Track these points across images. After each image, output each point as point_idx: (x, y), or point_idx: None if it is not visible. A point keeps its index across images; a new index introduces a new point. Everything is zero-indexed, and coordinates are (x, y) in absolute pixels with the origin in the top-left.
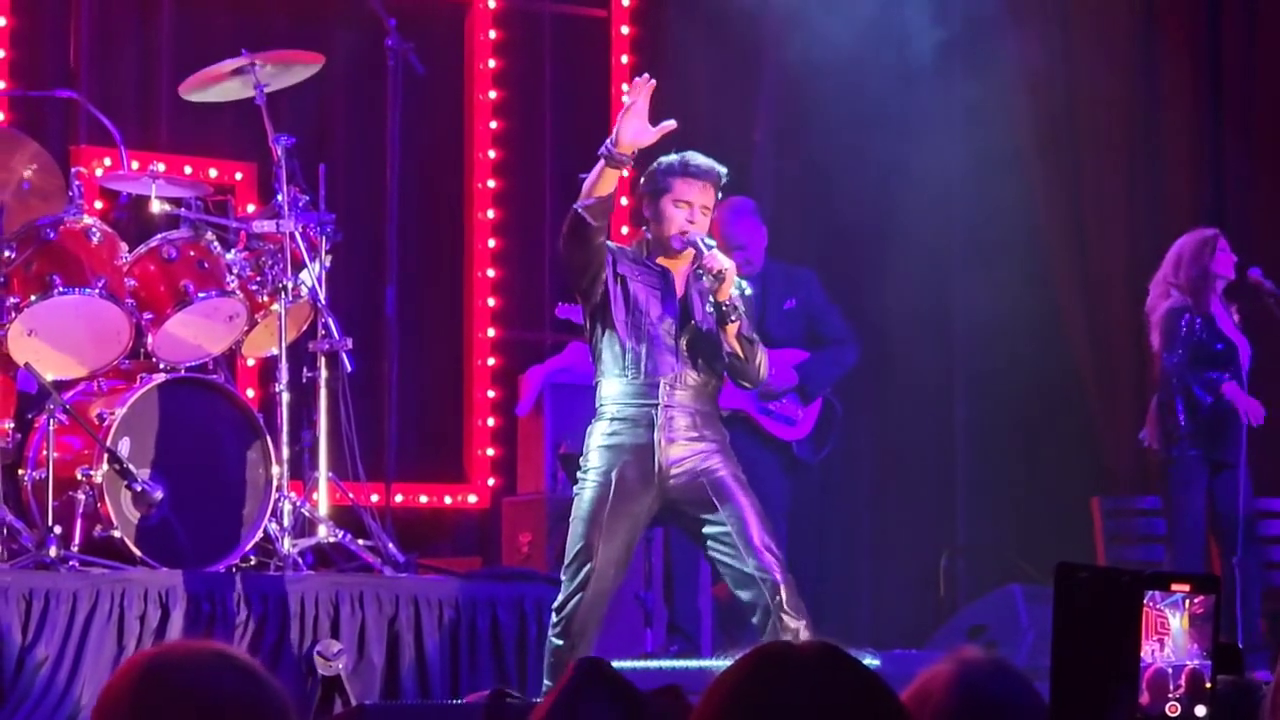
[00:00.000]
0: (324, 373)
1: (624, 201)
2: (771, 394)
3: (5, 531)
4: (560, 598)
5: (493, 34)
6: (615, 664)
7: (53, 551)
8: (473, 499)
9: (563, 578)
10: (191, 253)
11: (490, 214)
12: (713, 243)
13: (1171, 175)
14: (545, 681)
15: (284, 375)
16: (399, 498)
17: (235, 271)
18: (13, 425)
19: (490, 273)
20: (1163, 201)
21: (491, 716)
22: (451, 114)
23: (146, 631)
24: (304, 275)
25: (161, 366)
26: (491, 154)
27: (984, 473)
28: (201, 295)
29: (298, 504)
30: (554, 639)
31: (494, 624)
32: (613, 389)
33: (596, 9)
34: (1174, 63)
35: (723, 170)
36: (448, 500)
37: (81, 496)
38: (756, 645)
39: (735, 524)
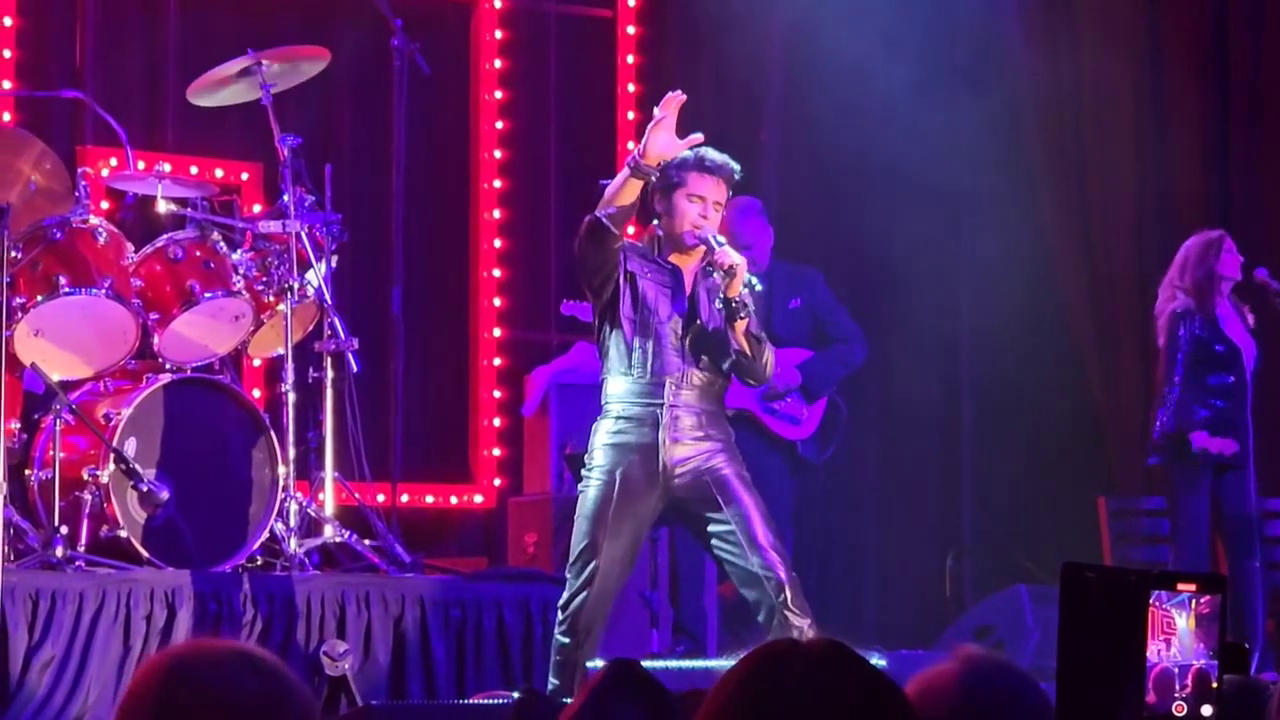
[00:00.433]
0: (330, 373)
1: None
2: (775, 393)
3: (12, 531)
4: (565, 595)
5: (498, 34)
6: None
7: (59, 551)
8: (478, 499)
9: (568, 576)
10: (197, 253)
11: (496, 214)
12: (724, 240)
13: (1178, 176)
14: (551, 680)
15: (290, 375)
16: (405, 498)
17: (241, 272)
18: (19, 425)
19: (496, 273)
20: (1169, 203)
21: (522, 715)
22: (457, 114)
23: (153, 632)
24: (310, 275)
25: (167, 366)
26: (497, 154)
27: (990, 473)
28: (207, 295)
29: (304, 504)
30: (559, 637)
31: (500, 624)
32: (618, 387)
33: (602, 9)
34: (1180, 62)
35: (736, 167)
36: (453, 500)
37: (88, 496)
38: (762, 643)
39: (740, 522)
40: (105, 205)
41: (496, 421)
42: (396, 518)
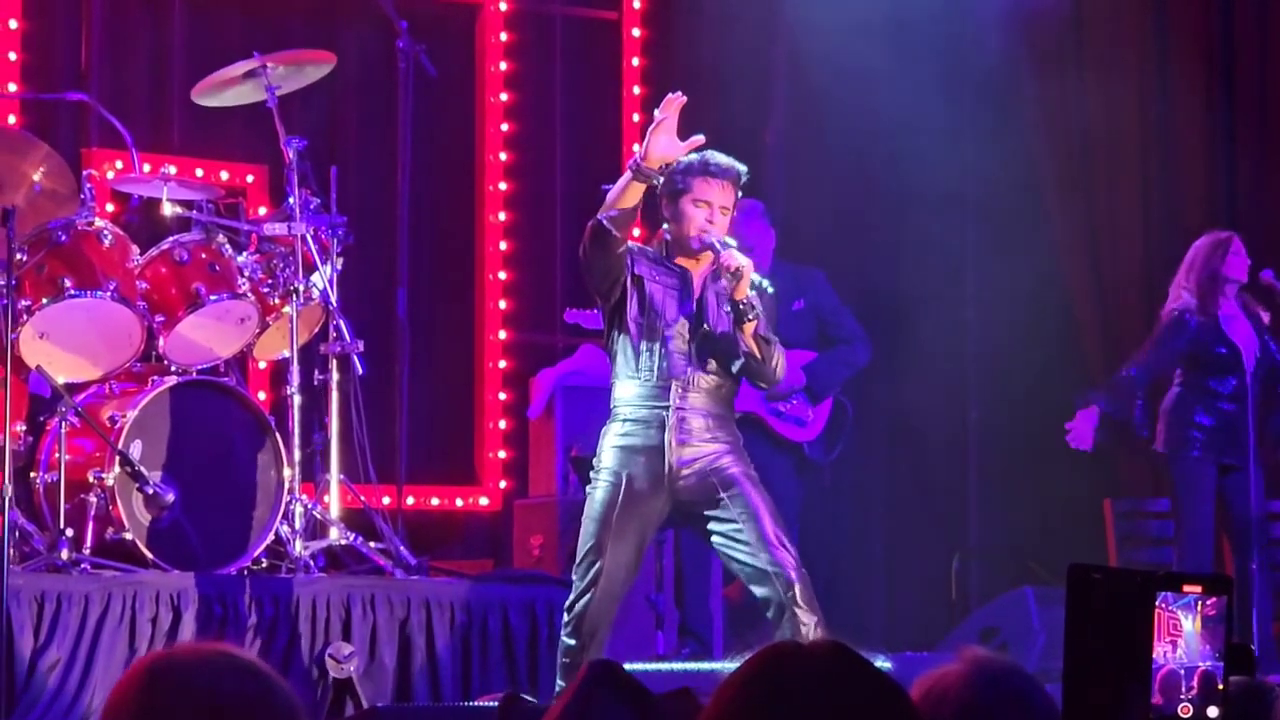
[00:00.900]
0: (335, 375)
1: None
2: (778, 395)
3: (17, 534)
4: (571, 597)
5: (504, 36)
6: (626, 666)
7: (64, 554)
8: (484, 501)
9: (573, 577)
10: (203, 255)
11: (501, 216)
12: (732, 242)
13: (1185, 178)
14: (558, 681)
15: (295, 378)
16: (410, 500)
17: (247, 274)
18: (25, 428)
19: (501, 275)
20: (1176, 203)
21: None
22: (463, 116)
23: (158, 634)
24: (315, 278)
25: (173, 369)
26: (503, 156)
27: (996, 474)
28: (213, 298)
29: (309, 506)
30: (565, 639)
31: (505, 626)
32: (626, 390)
33: (607, 11)
34: (1186, 65)
35: (743, 169)
36: (459, 503)
37: (93, 499)
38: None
39: (748, 521)
40: (110, 208)
41: (502, 424)
42: (402, 520)
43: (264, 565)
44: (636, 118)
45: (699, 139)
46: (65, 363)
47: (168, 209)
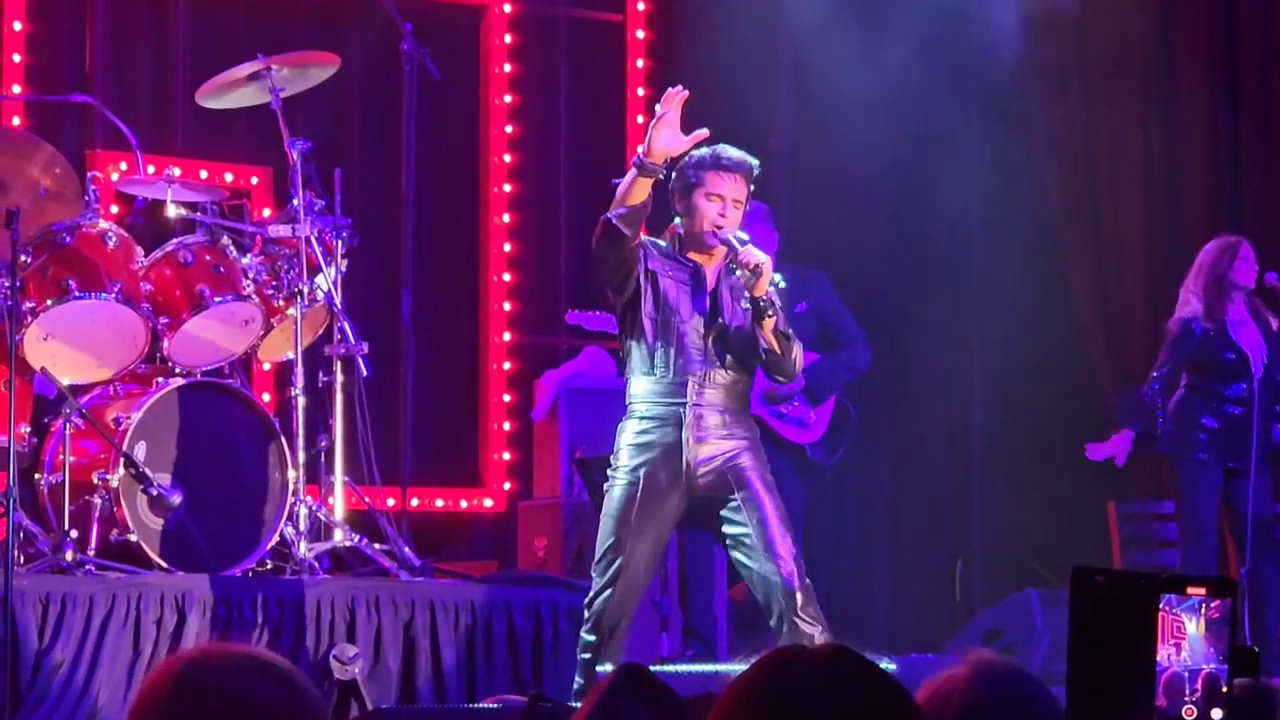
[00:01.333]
0: (340, 377)
1: None
2: (777, 396)
3: (22, 535)
4: (591, 594)
5: (508, 38)
6: None
7: (69, 555)
8: (488, 503)
9: (593, 575)
10: (207, 257)
11: (505, 218)
12: (746, 237)
13: (1189, 181)
14: (577, 679)
15: (300, 379)
16: (415, 502)
17: (251, 276)
18: (29, 429)
19: (506, 277)
20: (1180, 208)
21: None
22: (467, 118)
23: (163, 636)
24: (320, 279)
25: (177, 371)
26: (507, 158)
27: (1000, 477)
28: (217, 299)
29: (314, 508)
30: (584, 635)
31: (510, 628)
32: (642, 387)
33: (612, 13)
34: (1190, 68)
35: (755, 163)
36: (463, 504)
37: (98, 501)
38: (771, 649)
39: (757, 527)
40: (115, 209)
41: (506, 425)
42: (406, 522)
43: (268, 567)
44: (641, 119)
45: (703, 133)
46: (70, 364)
47: (172, 211)
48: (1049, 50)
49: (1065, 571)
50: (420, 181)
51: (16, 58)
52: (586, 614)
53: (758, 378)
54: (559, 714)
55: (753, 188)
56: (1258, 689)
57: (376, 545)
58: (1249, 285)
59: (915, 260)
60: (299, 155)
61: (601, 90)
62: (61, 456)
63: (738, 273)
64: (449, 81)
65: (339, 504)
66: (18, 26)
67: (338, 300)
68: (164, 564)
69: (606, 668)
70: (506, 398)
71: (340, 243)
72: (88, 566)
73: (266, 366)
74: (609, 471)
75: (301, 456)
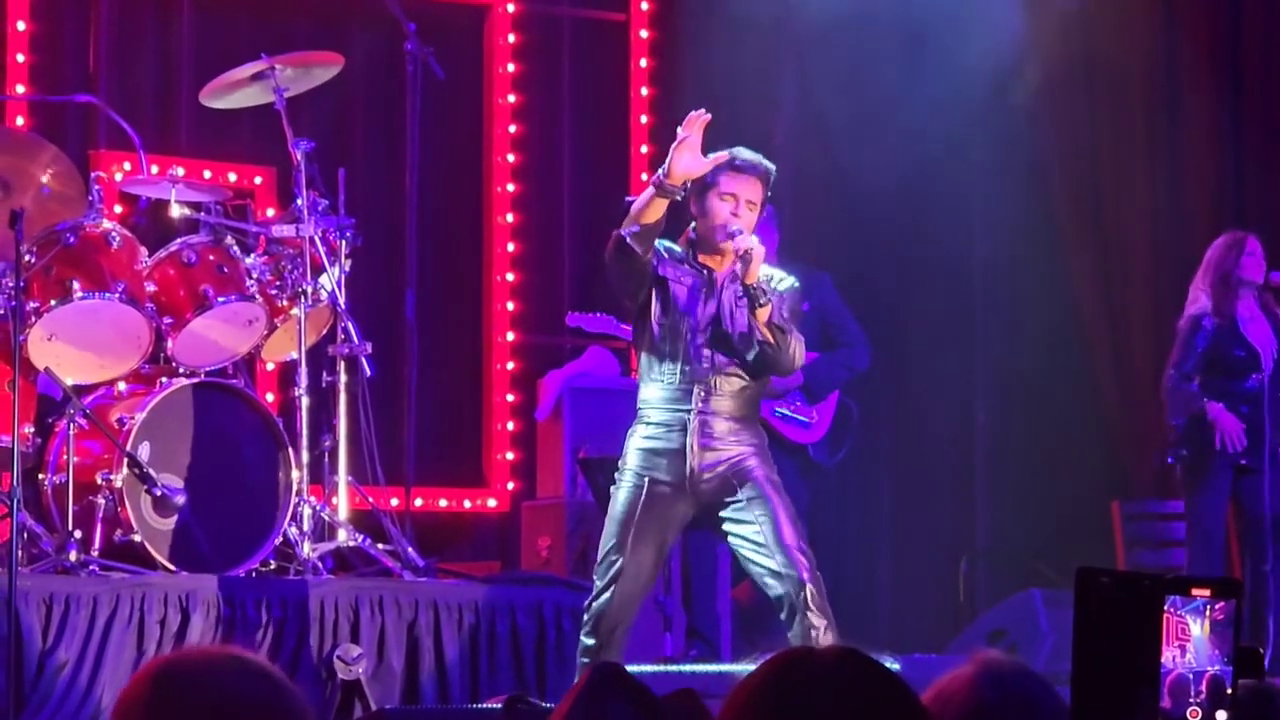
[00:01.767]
0: (343, 377)
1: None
2: (773, 393)
3: (26, 536)
4: (591, 595)
5: (512, 38)
6: (634, 669)
7: (73, 556)
8: (492, 503)
9: (594, 576)
10: (211, 257)
11: (509, 218)
12: (741, 226)
13: (1192, 181)
14: (576, 681)
15: (303, 380)
16: (418, 502)
17: (255, 276)
18: (33, 430)
19: (509, 277)
20: (1184, 205)
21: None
22: (471, 118)
23: (166, 636)
24: (323, 279)
25: (181, 371)
26: (510, 158)
27: (1004, 476)
28: (221, 300)
29: (317, 508)
30: (584, 638)
31: (513, 628)
32: (650, 393)
33: (615, 13)
34: (1193, 70)
35: (771, 167)
36: (467, 504)
37: (101, 501)
38: (778, 650)
39: (766, 522)
40: (119, 209)
41: (510, 425)
42: (410, 522)
43: (272, 567)
44: (645, 119)
45: (723, 155)
46: (74, 364)
47: (176, 211)
48: (1053, 50)
49: (1069, 571)
50: (424, 181)
51: (20, 58)
52: (586, 616)
53: None
54: (536, 715)
55: (770, 193)
56: (1263, 690)
57: (380, 545)
58: (1257, 281)
59: (918, 260)
60: (303, 155)
61: (605, 90)
62: (65, 457)
63: (736, 264)
64: (452, 81)
65: (343, 504)
66: (21, 26)
67: (341, 300)
68: (168, 564)
69: None
70: (510, 397)
71: (344, 243)
72: (91, 567)
73: (270, 367)
74: (616, 475)
75: (305, 456)
